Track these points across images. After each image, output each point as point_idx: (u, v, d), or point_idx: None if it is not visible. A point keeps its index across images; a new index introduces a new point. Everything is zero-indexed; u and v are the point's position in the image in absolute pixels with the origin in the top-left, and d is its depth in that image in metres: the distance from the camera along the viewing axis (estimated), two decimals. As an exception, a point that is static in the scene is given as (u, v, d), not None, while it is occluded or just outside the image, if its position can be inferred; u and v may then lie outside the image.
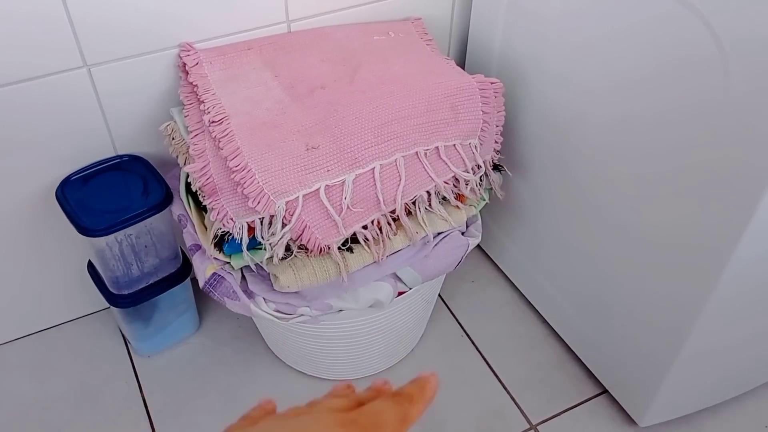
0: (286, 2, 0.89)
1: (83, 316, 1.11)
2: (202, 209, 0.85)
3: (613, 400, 1.00)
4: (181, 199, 0.88)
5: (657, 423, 0.96)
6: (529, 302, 1.14)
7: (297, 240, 0.75)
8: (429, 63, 0.86)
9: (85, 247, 0.96)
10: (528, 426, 0.99)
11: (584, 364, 1.04)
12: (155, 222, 0.89)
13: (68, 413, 0.99)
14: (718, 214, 0.70)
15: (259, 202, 0.72)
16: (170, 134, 0.85)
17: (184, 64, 0.84)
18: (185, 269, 0.98)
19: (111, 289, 0.94)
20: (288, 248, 0.77)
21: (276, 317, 0.81)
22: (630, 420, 0.97)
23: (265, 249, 0.77)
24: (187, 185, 0.86)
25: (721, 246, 0.70)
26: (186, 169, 0.77)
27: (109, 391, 1.02)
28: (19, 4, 0.75)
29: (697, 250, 0.74)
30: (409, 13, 0.99)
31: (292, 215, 0.73)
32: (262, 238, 0.75)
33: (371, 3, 0.95)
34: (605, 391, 1.02)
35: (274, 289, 0.81)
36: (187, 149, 0.81)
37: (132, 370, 1.04)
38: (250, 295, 0.82)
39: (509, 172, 0.95)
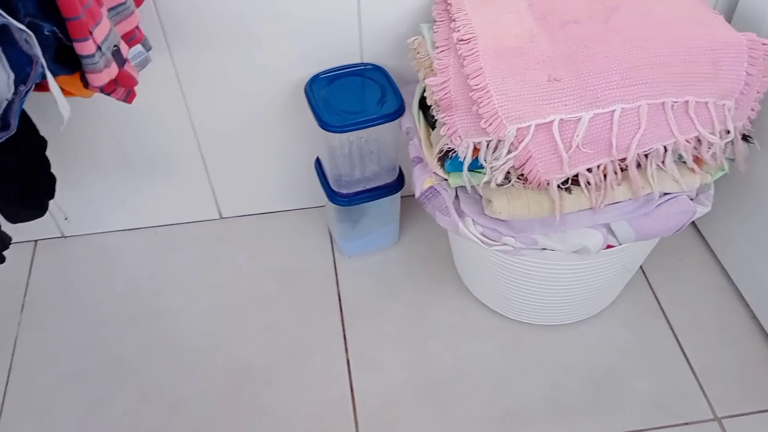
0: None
1: (300, 208, 1.22)
2: (430, 126, 0.89)
3: (818, 416, 0.91)
4: (412, 114, 0.92)
5: None
6: (740, 293, 1.05)
7: (518, 169, 0.76)
8: (695, 13, 0.80)
9: (317, 144, 1.04)
10: (711, 416, 0.93)
11: (791, 371, 0.95)
12: (385, 130, 0.94)
13: (272, 289, 1.10)
14: None
15: (491, 124, 0.73)
16: (416, 48, 0.88)
17: (443, -18, 0.87)
18: (399, 183, 1.03)
19: (332, 186, 1.02)
20: (507, 176, 0.78)
21: (480, 241, 0.83)
22: (834, 441, 0.88)
23: (484, 172, 0.78)
24: (421, 101, 0.90)
25: None
26: (427, 81, 0.80)
27: (310, 279, 1.12)
28: None
29: None
30: (679, -40, 0.92)
31: (519, 143, 0.74)
32: (485, 160, 0.77)
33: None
34: (810, 405, 0.93)
35: (485, 214, 0.82)
36: (430, 64, 0.84)
37: (333, 266, 1.13)
38: (460, 214, 0.84)
39: (758, 146, 0.87)
